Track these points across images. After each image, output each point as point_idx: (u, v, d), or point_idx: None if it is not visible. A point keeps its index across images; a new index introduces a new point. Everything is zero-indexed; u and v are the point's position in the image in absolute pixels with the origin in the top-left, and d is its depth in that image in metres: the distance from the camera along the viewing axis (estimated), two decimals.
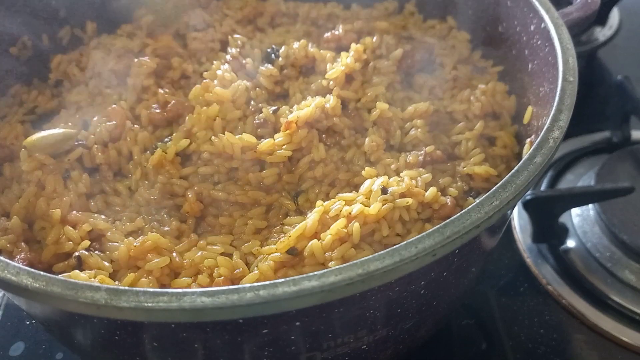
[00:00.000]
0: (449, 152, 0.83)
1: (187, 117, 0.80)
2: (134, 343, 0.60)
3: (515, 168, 0.59)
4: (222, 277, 0.65)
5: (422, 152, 0.79)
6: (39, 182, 0.76)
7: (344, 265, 0.51)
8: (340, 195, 0.72)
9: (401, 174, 0.75)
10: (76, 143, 0.80)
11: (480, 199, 0.56)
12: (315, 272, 0.50)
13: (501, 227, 0.76)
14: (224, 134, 0.77)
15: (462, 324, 0.93)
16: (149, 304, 0.49)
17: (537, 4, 0.81)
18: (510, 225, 1.07)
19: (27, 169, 0.76)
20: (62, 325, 0.67)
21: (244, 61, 0.91)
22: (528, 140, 0.77)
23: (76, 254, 0.68)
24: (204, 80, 0.85)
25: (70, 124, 0.84)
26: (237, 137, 0.77)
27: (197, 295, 0.49)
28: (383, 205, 0.68)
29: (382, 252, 0.52)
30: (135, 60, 0.90)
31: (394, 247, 0.52)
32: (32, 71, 0.96)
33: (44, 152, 0.77)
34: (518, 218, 1.07)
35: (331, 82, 0.86)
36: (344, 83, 0.86)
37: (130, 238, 0.70)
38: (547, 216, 1.00)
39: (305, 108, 0.79)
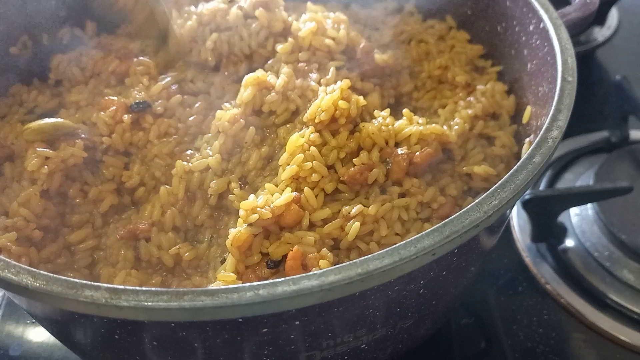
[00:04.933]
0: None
1: None
2: (134, 342, 0.60)
3: (514, 168, 0.59)
4: None
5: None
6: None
7: (343, 264, 0.51)
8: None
9: None
10: (78, 140, 0.79)
11: (479, 199, 0.56)
12: (315, 272, 0.50)
13: (500, 226, 0.76)
14: None
15: (461, 323, 0.94)
16: (149, 303, 0.49)
17: (536, 4, 0.81)
18: (509, 225, 1.07)
19: (33, 168, 0.76)
20: (63, 325, 0.67)
21: None
22: (527, 139, 0.77)
23: None
24: None
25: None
26: None
27: (196, 295, 0.49)
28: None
29: (381, 251, 0.52)
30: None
31: (393, 246, 0.52)
32: (32, 71, 0.95)
33: (37, 137, 0.77)
34: (517, 217, 1.07)
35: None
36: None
37: None
38: (546, 215, 1.00)
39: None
